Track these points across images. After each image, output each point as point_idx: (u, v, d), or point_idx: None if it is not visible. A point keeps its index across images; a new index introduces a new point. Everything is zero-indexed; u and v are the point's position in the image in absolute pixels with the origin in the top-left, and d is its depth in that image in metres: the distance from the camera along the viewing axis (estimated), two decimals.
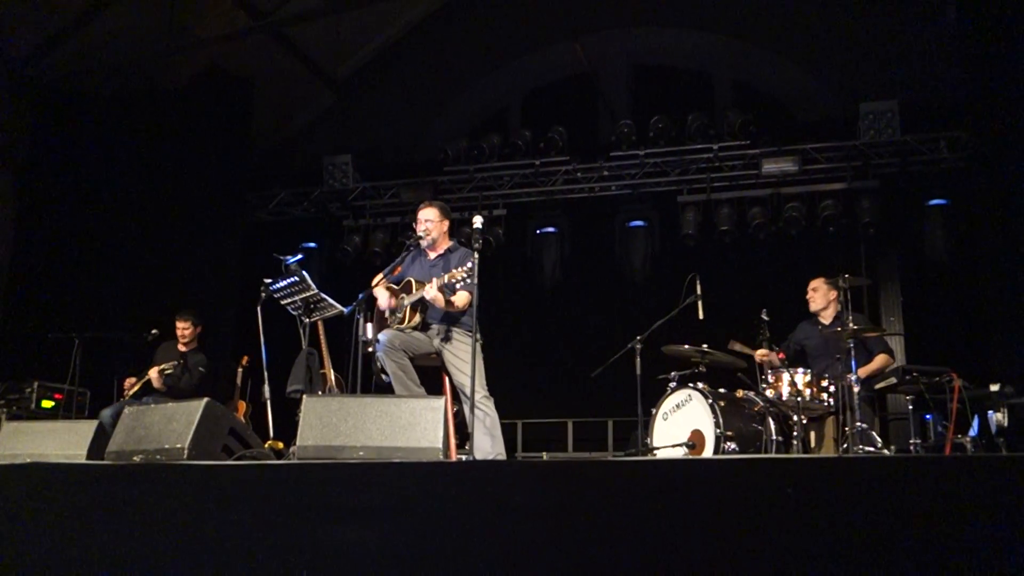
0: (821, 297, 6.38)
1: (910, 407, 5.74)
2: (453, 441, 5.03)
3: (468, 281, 4.72)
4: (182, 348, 7.38)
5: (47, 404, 7.79)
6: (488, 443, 4.98)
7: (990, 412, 5.92)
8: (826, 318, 6.38)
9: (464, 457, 5.41)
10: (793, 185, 8.83)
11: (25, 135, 9.35)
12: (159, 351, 7.42)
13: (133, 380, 7.24)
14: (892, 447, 5.94)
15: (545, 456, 8.73)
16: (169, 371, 7.02)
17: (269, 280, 5.53)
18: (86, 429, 4.74)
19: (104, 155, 9.41)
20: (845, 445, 5.42)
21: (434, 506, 2.89)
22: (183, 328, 7.38)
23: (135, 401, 6.88)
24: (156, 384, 7.02)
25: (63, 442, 4.71)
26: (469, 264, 4.70)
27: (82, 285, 9.02)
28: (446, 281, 4.89)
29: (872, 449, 5.41)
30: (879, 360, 6.09)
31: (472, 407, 4.64)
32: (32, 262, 9.16)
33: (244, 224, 9.80)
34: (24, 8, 8.64)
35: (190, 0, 9.03)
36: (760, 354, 6.10)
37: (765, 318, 6.17)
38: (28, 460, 4.55)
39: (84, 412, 7.85)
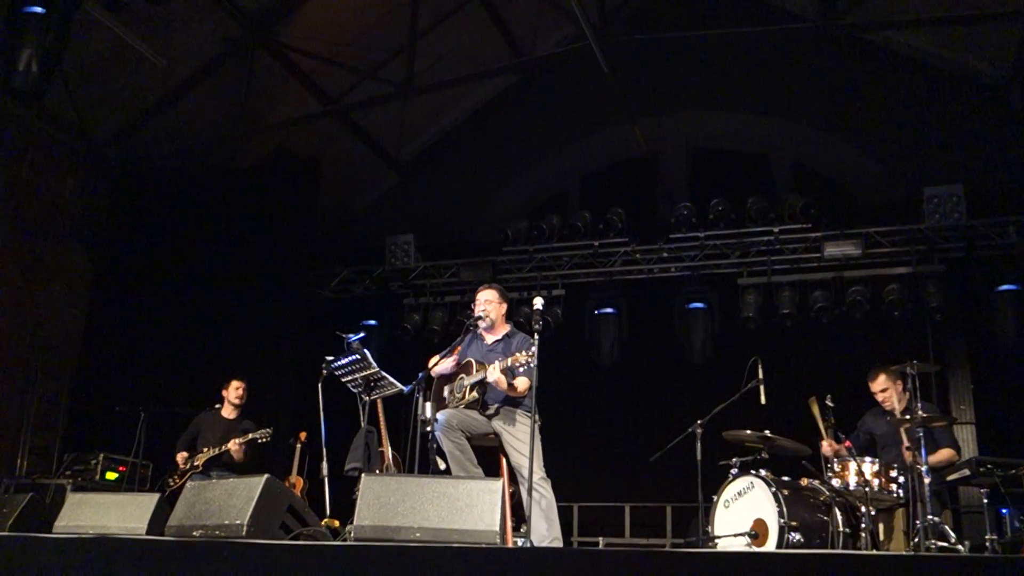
0: (892, 395, 6.05)
1: (985, 500, 5.50)
2: (509, 524, 4.97)
3: (530, 365, 4.73)
4: (234, 414, 7.41)
5: (111, 476, 7.93)
6: (544, 527, 4.91)
7: None
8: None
9: (520, 540, 5.33)
10: (856, 269, 8.72)
11: (102, 213, 9.74)
12: (203, 423, 7.44)
13: (186, 455, 7.28)
14: (966, 542, 5.67)
15: (601, 541, 8.54)
16: (251, 440, 7.00)
17: (331, 358, 5.59)
18: (148, 502, 4.79)
19: (175, 232, 9.72)
20: (916, 539, 5.19)
21: None
22: (241, 387, 7.41)
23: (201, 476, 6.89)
24: (238, 457, 7.02)
25: (124, 514, 4.76)
26: (532, 349, 4.72)
27: (150, 359, 9.22)
28: (509, 364, 4.91)
29: (946, 544, 5.18)
30: (944, 453, 5.84)
31: (529, 489, 4.59)
32: (103, 336, 9.42)
33: (307, 301, 9.98)
34: (108, 93, 9.11)
35: (263, 86, 9.42)
36: (827, 446, 5.87)
37: (830, 404, 6.00)
38: (91, 531, 4.62)
39: (147, 485, 7.96)
